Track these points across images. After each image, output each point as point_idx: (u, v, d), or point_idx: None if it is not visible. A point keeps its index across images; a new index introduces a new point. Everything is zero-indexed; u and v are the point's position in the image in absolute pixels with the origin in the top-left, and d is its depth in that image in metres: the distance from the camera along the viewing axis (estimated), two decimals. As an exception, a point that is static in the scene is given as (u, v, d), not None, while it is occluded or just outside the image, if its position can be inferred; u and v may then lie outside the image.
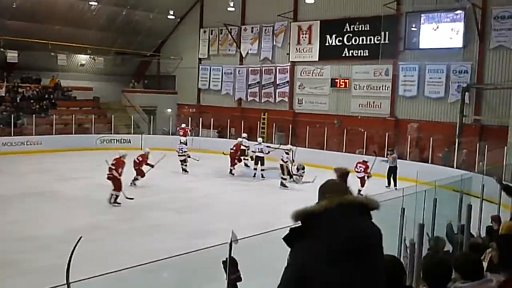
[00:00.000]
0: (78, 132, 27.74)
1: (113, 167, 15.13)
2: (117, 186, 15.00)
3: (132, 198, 15.26)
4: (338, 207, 2.35)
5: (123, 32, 31.89)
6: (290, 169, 19.63)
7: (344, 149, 24.03)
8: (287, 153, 19.57)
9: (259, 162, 20.99)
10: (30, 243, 10.93)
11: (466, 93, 21.39)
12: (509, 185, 7.12)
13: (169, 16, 31.73)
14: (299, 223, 2.36)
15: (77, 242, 4.12)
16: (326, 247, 2.25)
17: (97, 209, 14.27)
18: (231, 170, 21.11)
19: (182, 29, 34.12)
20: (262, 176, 20.68)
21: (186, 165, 21.36)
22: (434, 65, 22.94)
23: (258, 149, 21.24)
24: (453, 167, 20.34)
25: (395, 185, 19.32)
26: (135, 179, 17.64)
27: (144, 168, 17.88)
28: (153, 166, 18.17)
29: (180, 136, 25.24)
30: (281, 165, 19.17)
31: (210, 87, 32.54)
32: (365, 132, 23.79)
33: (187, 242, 10.98)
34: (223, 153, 22.19)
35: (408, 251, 5.93)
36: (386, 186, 19.44)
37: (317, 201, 2.51)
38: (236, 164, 21.25)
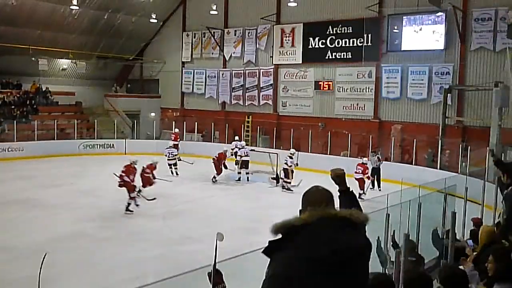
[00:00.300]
0: (61, 137, 27.34)
1: (124, 174, 14.89)
2: (131, 189, 14.78)
3: (154, 199, 15.44)
4: (318, 221, 2.31)
5: (105, 36, 31.64)
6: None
7: (328, 151, 24.10)
8: (291, 157, 19.50)
9: (244, 165, 20.95)
10: (9, 253, 10.69)
11: (448, 94, 21.57)
12: (502, 160, 7.01)
13: (151, 20, 31.54)
14: (279, 235, 2.32)
15: (43, 260, 4.01)
16: (305, 259, 2.21)
17: (80, 217, 14.06)
18: (214, 177, 20.38)
19: (165, 32, 33.98)
20: (248, 180, 20.64)
21: (176, 168, 21.40)
22: (417, 67, 23.10)
23: (244, 152, 21.19)
24: (436, 168, 20.52)
25: (379, 186, 19.44)
26: (139, 190, 16.59)
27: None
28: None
29: (172, 140, 25.36)
30: (285, 169, 19.21)
31: (193, 90, 32.42)
32: (349, 134, 23.85)
33: (171, 249, 10.89)
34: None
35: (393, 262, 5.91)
36: (371, 188, 19.54)
37: (300, 208, 2.48)
38: (221, 172, 20.49)
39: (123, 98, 33.62)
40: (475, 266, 6.03)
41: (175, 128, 27.56)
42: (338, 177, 3.20)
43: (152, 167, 16.98)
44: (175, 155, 21.69)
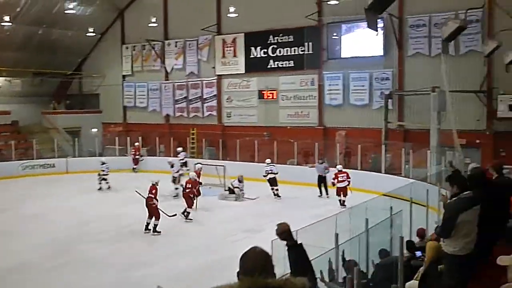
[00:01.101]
0: (-2, 159, 26.13)
1: (152, 196, 14.98)
2: (157, 215, 14.77)
3: (175, 215, 15.34)
4: None
5: (41, 52, 30.48)
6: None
7: (275, 160, 24.11)
8: (270, 165, 20.37)
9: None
10: None
11: (389, 99, 22.11)
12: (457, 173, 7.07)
13: (88, 34, 30.74)
14: None
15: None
16: None
17: (23, 245, 13.34)
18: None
19: (104, 46, 33.17)
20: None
21: (108, 182, 21.58)
22: (357, 73, 23.59)
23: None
24: (381, 172, 20.95)
25: (326, 193, 19.62)
26: (185, 211, 16.46)
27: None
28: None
29: (132, 154, 26.34)
30: (271, 179, 19.87)
31: (136, 104, 31.84)
32: (295, 143, 23.99)
33: (122, 276, 10.53)
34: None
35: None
36: (319, 196, 19.72)
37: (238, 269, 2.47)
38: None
39: (62, 115, 32.53)
40: (422, 283, 6.11)
41: (117, 142, 27.18)
42: (284, 232, 3.10)
43: (191, 181, 17.09)
44: (108, 170, 21.83)
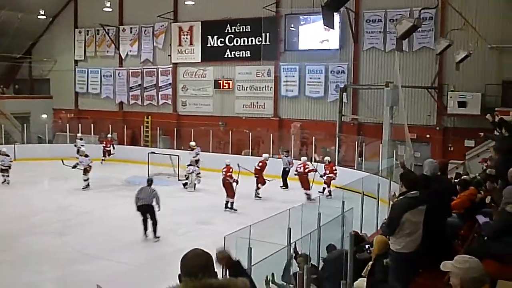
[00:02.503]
0: None
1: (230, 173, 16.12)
2: (231, 193, 15.98)
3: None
4: None
5: (-12, 34, 29.28)
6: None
7: (230, 150, 24.05)
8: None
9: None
10: None
11: (344, 93, 22.35)
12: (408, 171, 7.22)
13: (39, 16, 29.67)
14: None
15: None
16: None
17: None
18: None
19: (55, 29, 32.11)
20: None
21: (8, 176, 19.95)
22: (313, 66, 23.71)
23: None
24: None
25: (286, 186, 19.62)
26: (258, 188, 17.81)
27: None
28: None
29: (103, 146, 25.31)
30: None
31: (88, 90, 31.06)
32: (250, 133, 23.96)
33: (70, 269, 10.24)
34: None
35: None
36: (281, 187, 19.69)
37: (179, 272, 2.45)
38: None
39: (10, 100, 31.23)
40: (370, 277, 6.21)
41: (68, 129, 26.24)
42: (222, 260, 3.01)
43: (264, 162, 18.10)
44: (10, 161, 20.24)
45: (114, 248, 11.78)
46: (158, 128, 27.30)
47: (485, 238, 5.64)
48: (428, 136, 21.26)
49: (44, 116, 30.52)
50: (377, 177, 16.37)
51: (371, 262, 6.88)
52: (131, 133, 27.84)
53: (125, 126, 27.85)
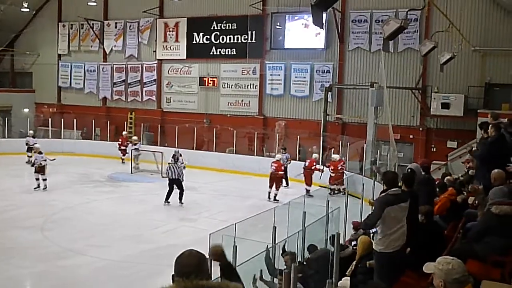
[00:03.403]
0: None
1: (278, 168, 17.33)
2: (277, 185, 17.19)
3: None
4: None
5: (-30, 26, 28.80)
6: None
7: (214, 148, 24.01)
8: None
9: None
10: None
11: (329, 92, 22.41)
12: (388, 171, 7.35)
13: (23, 9, 29.18)
14: None
15: None
16: None
17: None
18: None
19: (39, 22, 31.65)
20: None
21: None
22: (299, 65, 23.74)
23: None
24: (319, 163, 21.18)
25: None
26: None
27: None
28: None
29: (119, 144, 24.12)
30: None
31: (71, 85, 30.72)
32: (235, 131, 23.91)
33: (53, 264, 10.12)
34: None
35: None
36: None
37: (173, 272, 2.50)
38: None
39: (-9, 93, 30.89)
40: (353, 278, 6.25)
41: (50, 124, 25.85)
42: (215, 254, 3.00)
43: (313, 160, 18.73)
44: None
45: (97, 244, 11.69)
46: (142, 125, 27.11)
47: (469, 238, 5.72)
48: (411, 136, 21.42)
49: (26, 110, 30.15)
50: (361, 177, 16.54)
51: (354, 262, 6.92)
52: (114, 129, 27.56)
53: (108, 121, 27.58)
